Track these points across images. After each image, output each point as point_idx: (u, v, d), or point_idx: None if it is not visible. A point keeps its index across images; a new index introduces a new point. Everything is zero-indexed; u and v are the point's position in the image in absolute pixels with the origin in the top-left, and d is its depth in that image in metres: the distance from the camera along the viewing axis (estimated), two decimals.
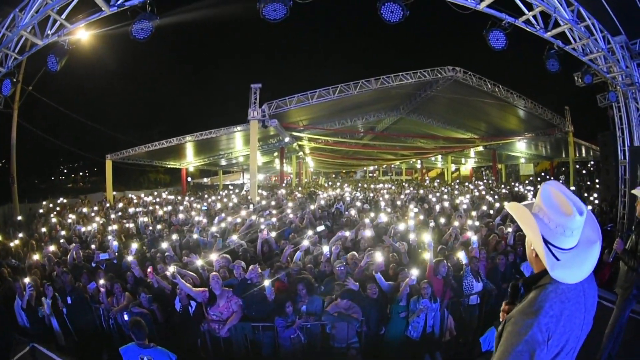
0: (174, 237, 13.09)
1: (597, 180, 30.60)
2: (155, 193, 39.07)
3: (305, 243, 11.13)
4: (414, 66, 30.26)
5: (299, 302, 8.46)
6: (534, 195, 3.06)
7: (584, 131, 36.44)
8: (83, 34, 11.24)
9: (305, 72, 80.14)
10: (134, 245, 11.83)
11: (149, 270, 9.63)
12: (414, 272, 8.30)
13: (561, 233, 2.60)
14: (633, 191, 7.21)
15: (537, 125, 37.59)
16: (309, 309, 8.43)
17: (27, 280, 9.30)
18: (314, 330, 8.38)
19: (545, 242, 2.63)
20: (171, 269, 8.86)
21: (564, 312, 2.53)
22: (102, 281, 9.32)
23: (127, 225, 17.22)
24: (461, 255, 9.64)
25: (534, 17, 11.41)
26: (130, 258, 10.45)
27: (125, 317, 8.45)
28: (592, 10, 12.31)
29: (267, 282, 8.33)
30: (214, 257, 10.10)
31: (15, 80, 13.39)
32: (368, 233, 12.22)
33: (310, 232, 12.29)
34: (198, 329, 8.41)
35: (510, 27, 11.07)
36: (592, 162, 48.96)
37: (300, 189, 39.53)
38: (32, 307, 9.26)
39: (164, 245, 10.92)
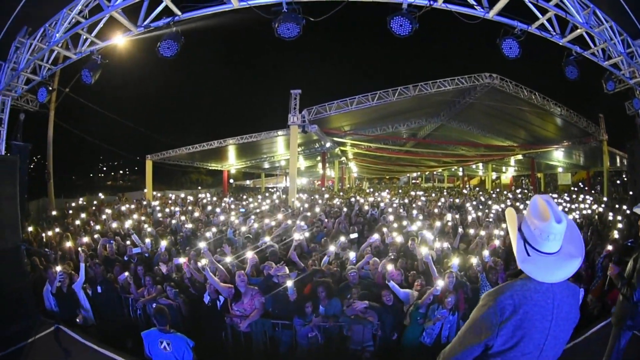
0: (208, 234, 13.51)
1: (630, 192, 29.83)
2: (201, 195, 39.24)
3: (332, 249, 11.29)
4: (453, 74, 30.29)
5: (319, 303, 8.73)
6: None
7: (618, 139, 35.15)
8: (119, 40, 11.49)
9: (344, 78, 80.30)
10: (163, 243, 12.34)
11: (184, 261, 10.25)
12: (440, 283, 8.42)
13: (539, 236, 2.95)
14: (635, 209, 6.86)
15: (573, 134, 36.80)
16: (327, 311, 8.65)
17: (58, 268, 9.85)
18: (332, 331, 8.59)
19: (525, 241, 3.02)
20: (203, 261, 9.41)
21: (523, 307, 2.87)
22: (126, 273, 10.05)
23: (163, 222, 17.87)
24: (474, 262, 9.79)
25: (549, 22, 11.11)
26: (182, 260, 10.66)
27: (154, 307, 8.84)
28: (610, 12, 11.77)
29: (289, 283, 8.63)
30: (249, 254, 10.41)
31: (50, 88, 13.88)
32: (398, 239, 12.40)
33: (342, 238, 12.44)
34: (222, 322, 8.81)
35: (524, 34, 10.84)
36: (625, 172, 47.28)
37: (341, 194, 39.57)
38: (63, 292, 9.83)
39: (201, 244, 11.13)
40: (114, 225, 16.55)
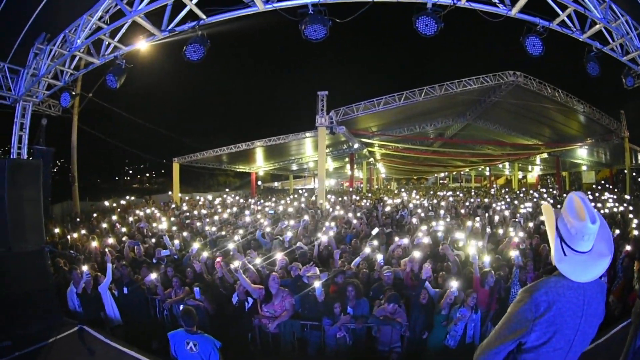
0: (236, 237, 13.57)
1: None
2: (226, 196, 39.53)
3: (367, 250, 11.23)
4: (476, 73, 30.35)
5: (347, 304, 8.73)
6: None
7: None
8: (143, 44, 11.47)
9: (369, 79, 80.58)
10: (195, 245, 12.42)
11: (217, 260, 10.42)
12: (454, 284, 8.42)
13: (574, 234, 2.98)
14: None
15: (596, 131, 36.50)
16: (356, 312, 8.66)
17: (85, 267, 9.98)
18: (359, 332, 8.62)
19: (562, 240, 3.04)
20: (236, 263, 9.33)
21: (557, 304, 2.89)
22: (154, 275, 9.98)
23: (190, 225, 17.97)
24: (513, 254, 9.93)
25: (569, 18, 10.87)
26: (205, 253, 11.07)
27: (181, 309, 8.84)
28: (624, 6, 11.48)
29: (317, 284, 8.64)
30: (278, 256, 10.50)
31: (74, 93, 14.01)
32: (425, 240, 12.35)
33: (375, 242, 12.49)
34: (250, 324, 8.83)
35: (546, 31, 10.66)
36: None
37: (370, 195, 39.63)
38: (87, 293, 9.94)
39: (230, 245, 11.32)
40: (142, 226, 16.73)
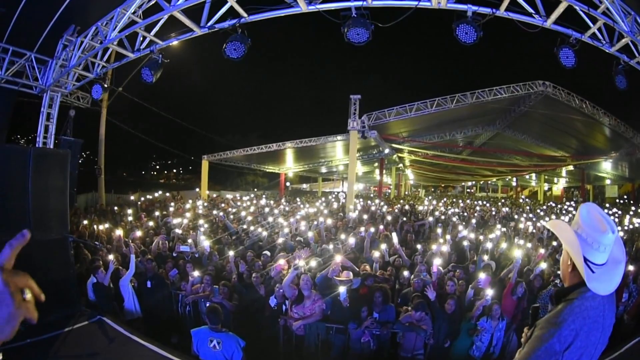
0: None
1: None
2: (252, 195, 39.50)
3: (377, 254, 11.32)
4: (507, 82, 30.31)
5: (374, 309, 8.72)
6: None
7: None
8: (180, 40, 11.55)
9: (403, 85, 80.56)
10: (206, 243, 12.55)
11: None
12: (489, 293, 8.43)
13: (596, 249, 2.88)
14: None
15: (620, 144, 36.19)
16: (382, 317, 8.64)
17: (111, 256, 10.13)
18: (383, 338, 8.62)
19: (585, 258, 2.90)
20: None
21: (584, 328, 2.79)
22: (197, 273, 9.99)
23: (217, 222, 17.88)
24: (543, 266, 10.08)
25: (599, 31, 10.94)
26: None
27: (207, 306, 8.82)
28: None
29: (342, 289, 8.57)
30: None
31: (106, 85, 14.12)
32: (444, 249, 12.40)
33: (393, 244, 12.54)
34: (278, 324, 8.84)
35: (578, 43, 10.74)
36: None
37: (402, 201, 39.21)
38: (105, 285, 9.97)
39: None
40: (174, 222, 16.65)
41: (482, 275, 9.50)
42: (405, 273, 10.74)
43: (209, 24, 10.72)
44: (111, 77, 22.77)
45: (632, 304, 10.13)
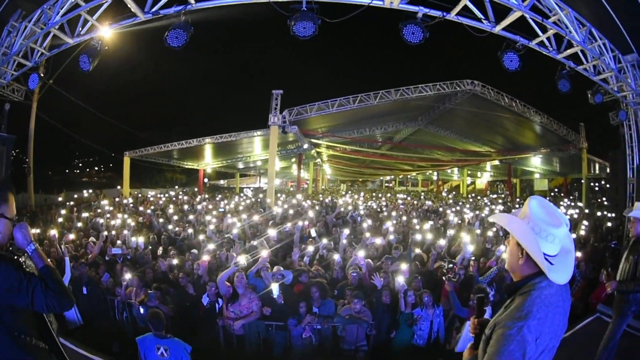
0: (201, 237, 13.44)
1: (603, 198, 30.80)
2: (172, 193, 39.46)
3: (310, 248, 11.51)
4: (434, 80, 30.65)
5: (312, 304, 8.73)
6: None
7: (598, 148, 36.53)
8: (106, 32, 11.26)
9: (325, 80, 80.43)
10: (141, 240, 12.45)
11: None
12: (400, 280, 8.62)
13: (550, 241, 2.97)
14: (625, 212, 7.47)
15: (552, 141, 37.57)
16: (321, 312, 8.65)
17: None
18: (325, 332, 8.58)
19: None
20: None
21: (549, 315, 2.85)
22: (128, 275, 9.59)
23: (142, 222, 17.74)
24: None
25: (548, 39, 11.58)
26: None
27: (141, 311, 8.68)
28: (604, 30, 12.41)
29: (274, 285, 8.50)
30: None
31: (42, 75, 13.65)
32: (378, 241, 12.65)
33: (325, 240, 12.55)
34: (216, 325, 8.67)
35: (524, 48, 11.25)
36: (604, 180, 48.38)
37: (320, 196, 39.84)
38: None
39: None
40: (101, 221, 16.32)
41: (403, 266, 9.61)
42: (336, 257, 10.88)
43: (153, 10, 10.49)
44: (46, 65, 22.05)
45: (576, 288, 10.80)
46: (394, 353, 8.53)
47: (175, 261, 10.73)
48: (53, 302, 3.17)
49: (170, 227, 16.13)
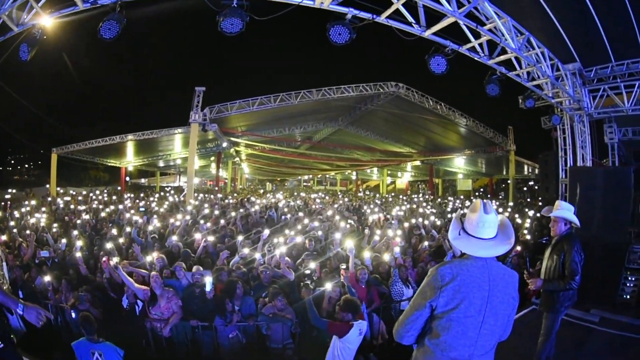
0: (114, 231, 13.45)
1: (539, 198, 32.02)
2: (97, 192, 38.71)
3: (246, 250, 11.44)
4: (361, 80, 31.27)
5: (235, 302, 8.65)
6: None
7: (527, 150, 38.46)
8: (47, 21, 10.92)
9: (248, 79, 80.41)
10: (79, 243, 11.63)
11: (103, 259, 9.83)
12: (328, 286, 8.69)
13: (475, 225, 3.76)
14: (543, 212, 7.74)
15: (477, 143, 39.13)
16: (243, 310, 8.65)
17: None
18: (250, 331, 8.60)
19: (462, 228, 3.87)
20: (115, 259, 9.14)
21: (460, 275, 3.59)
22: (47, 278, 9.36)
23: (70, 222, 17.27)
24: (387, 258, 10.54)
25: (480, 45, 11.82)
26: (78, 254, 10.52)
27: (73, 315, 8.50)
28: (546, 39, 12.86)
29: (208, 279, 8.62)
30: (154, 255, 10.17)
31: None
32: (299, 239, 12.72)
33: (240, 238, 12.46)
34: (143, 328, 8.51)
35: (454, 53, 11.51)
36: (532, 180, 50.37)
37: (235, 194, 40.23)
38: None
39: (108, 245, 10.95)
40: (32, 222, 15.84)
41: (311, 265, 9.99)
42: (257, 256, 10.85)
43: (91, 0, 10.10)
44: None
45: None
46: (322, 349, 8.17)
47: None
48: None
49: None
